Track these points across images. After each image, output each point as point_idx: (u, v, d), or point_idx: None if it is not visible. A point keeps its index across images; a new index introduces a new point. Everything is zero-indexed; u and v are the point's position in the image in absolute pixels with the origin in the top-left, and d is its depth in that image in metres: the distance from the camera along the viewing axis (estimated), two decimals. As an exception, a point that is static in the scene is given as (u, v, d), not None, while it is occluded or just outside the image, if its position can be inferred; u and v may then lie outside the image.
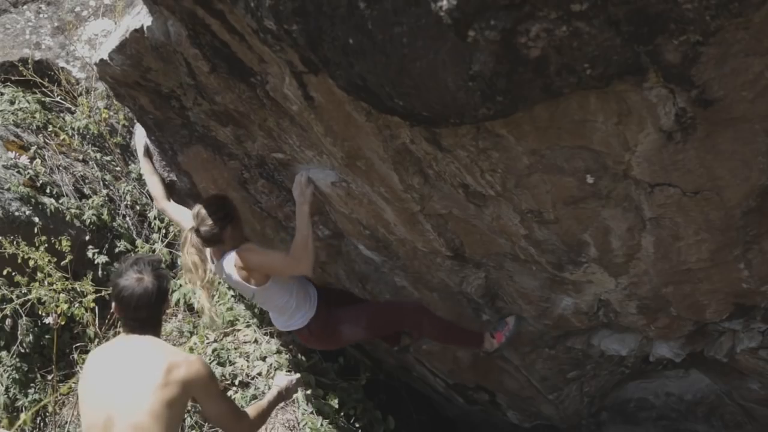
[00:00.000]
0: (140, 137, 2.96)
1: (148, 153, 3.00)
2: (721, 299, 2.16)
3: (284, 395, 2.50)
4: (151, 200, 4.63)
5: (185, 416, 3.50)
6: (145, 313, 2.04)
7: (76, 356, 3.62)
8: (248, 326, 4.01)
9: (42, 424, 3.61)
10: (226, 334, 3.97)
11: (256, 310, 4.15)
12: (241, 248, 2.51)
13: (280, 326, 2.84)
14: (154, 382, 1.89)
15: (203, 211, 2.49)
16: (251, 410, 2.26)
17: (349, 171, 2.19)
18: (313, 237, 2.49)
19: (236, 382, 3.67)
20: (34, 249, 3.52)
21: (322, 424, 3.49)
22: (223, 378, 3.65)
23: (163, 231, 4.50)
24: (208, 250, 2.61)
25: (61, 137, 4.52)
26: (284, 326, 2.81)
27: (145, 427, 1.84)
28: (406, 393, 4.69)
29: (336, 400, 3.67)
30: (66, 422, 3.54)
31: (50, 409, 3.57)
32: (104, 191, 4.47)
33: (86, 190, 4.39)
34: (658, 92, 1.37)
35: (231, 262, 2.52)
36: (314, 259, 2.50)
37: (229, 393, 3.62)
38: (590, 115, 1.49)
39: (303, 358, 3.92)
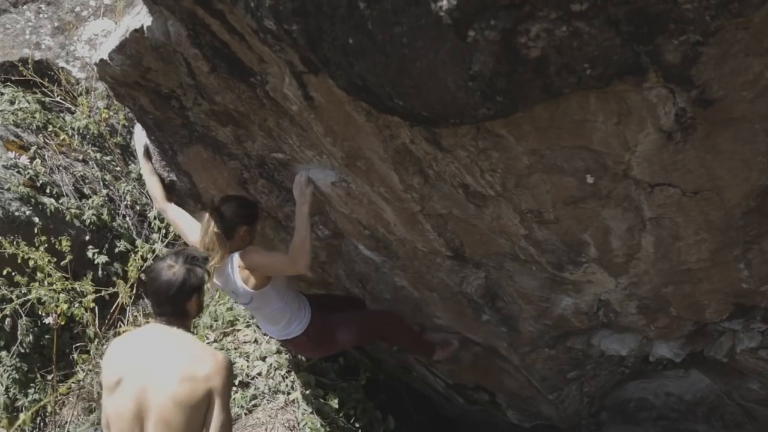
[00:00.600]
0: (140, 138, 2.96)
1: (147, 154, 2.99)
2: (721, 299, 2.16)
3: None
4: (151, 200, 4.64)
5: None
6: (164, 301, 2.04)
7: (76, 356, 3.63)
8: (248, 326, 4.02)
9: (42, 424, 3.61)
10: (226, 334, 3.98)
11: (256, 310, 4.15)
12: (245, 249, 2.55)
13: (277, 335, 2.86)
14: (180, 376, 1.90)
15: (231, 202, 2.56)
16: None
17: (349, 171, 2.19)
18: (311, 237, 2.52)
19: (236, 382, 3.67)
20: (34, 249, 3.52)
21: (322, 424, 3.49)
22: (223, 378, 3.64)
23: (163, 231, 4.51)
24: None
25: (61, 137, 4.53)
26: (282, 334, 2.82)
27: (174, 423, 1.86)
28: (406, 393, 4.69)
29: (336, 400, 3.67)
30: (66, 422, 3.54)
31: (50, 409, 3.58)
32: (104, 191, 4.47)
33: (86, 190, 4.40)
34: (658, 92, 1.37)
35: (235, 263, 2.55)
36: (311, 258, 2.54)
37: (229, 393, 3.62)
38: (590, 115, 1.49)
39: (303, 358, 3.92)
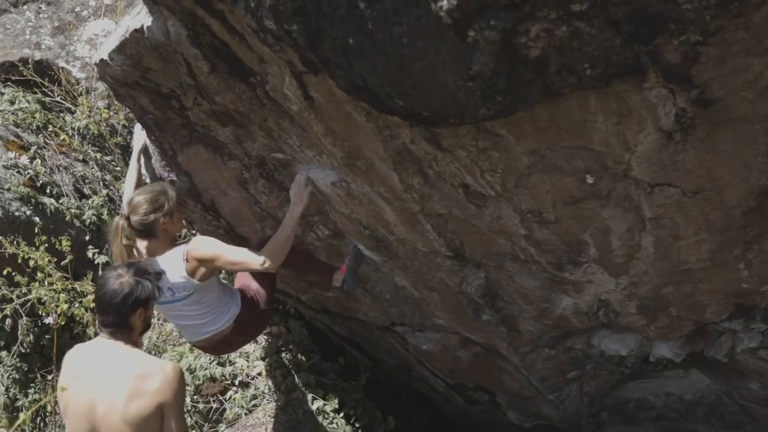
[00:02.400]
0: (138, 138, 2.96)
1: (146, 154, 3.00)
2: (721, 299, 2.16)
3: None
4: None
5: (186, 416, 3.50)
6: (107, 309, 1.99)
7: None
8: (248, 326, 4.01)
9: (42, 424, 3.61)
10: (226, 334, 3.97)
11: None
12: (195, 238, 2.47)
13: (207, 329, 2.68)
14: (128, 393, 1.88)
15: (137, 198, 2.42)
16: None
17: (349, 171, 2.19)
18: (292, 240, 2.42)
19: (236, 382, 3.67)
20: (34, 249, 3.52)
21: (322, 424, 3.49)
22: (223, 378, 3.65)
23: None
24: (143, 245, 2.55)
25: (61, 137, 4.53)
26: (211, 329, 2.67)
27: None
28: (406, 393, 4.69)
29: (336, 400, 3.67)
30: (66, 422, 3.54)
31: (50, 409, 3.57)
32: (104, 191, 4.47)
33: (86, 190, 4.40)
34: (658, 92, 1.37)
35: (178, 257, 2.44)
36: (283, 260, 2.43)
37: (229, 393, 3.62)
38: (590, 115, 1.49)
39: (303, 358, 3.93)
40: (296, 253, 2.87)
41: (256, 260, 2.37)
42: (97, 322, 2.08)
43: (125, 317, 2.02)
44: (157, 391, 1.90)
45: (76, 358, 2.07)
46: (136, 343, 2.11)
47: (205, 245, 2.44)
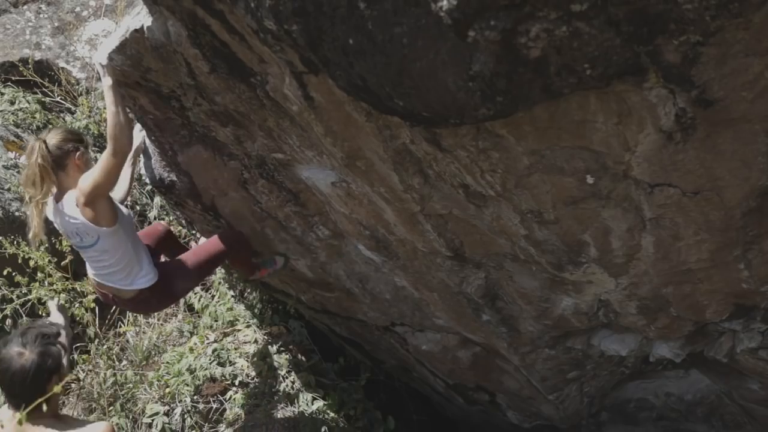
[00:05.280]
0: (137, 138, 2.96)
1: (146, 154, 3.00)
2: (721, 299, 2.16)
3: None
4: (151, 200, 4.64)
5: (186, 416, 3.51)
6: (20, 392, 1.89)
7: (76, 356, 3.63)
8: (248, 326, 4.01)
9: (42, 424, 3.60)
10: (226, 334, 3.97)
11: (255, 310, 4.15)
12: (82, 177, 2.38)
13: (125, 284, 2.64)
14: None
15: (56, 129, 2.46)
16: None
17: (349, 171, 2.19)
18: (126, 111, 2.32)
19: (236, 382, 3.67)
20: (34, 249, 3.52)
21: (322, 424, 3.49)
22: (223, 378, 3.65)
23: (163, 231, 4.50)
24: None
25: (62, 137, 4.52)
26: (130, 283, 2.63)
27: None
28: (406, 393, 4.69)
29: (336, 400, 3.67)
30: (66, 422, 3.53)
31: (50, 409, 3.57)
32: (104, 191, 4.46)
33: (86, 190, 4.39)
34: (658, 92, 1.37)
35: (72, 201, 2.39)
36: (131, 134, 2.34)
37: (229, 393, 3.62)
38: (590, 116, 1.49)
39: (303, 358, 3.93)
40: (240, 237, 3.05)
41: (108, 152, 2.27)
42: (7, 403, 1.95)
43: (42, 391, 1.89)
44: None
45: None
46: (56, 409, 2.00)
47: (81, 183, 2.34)
